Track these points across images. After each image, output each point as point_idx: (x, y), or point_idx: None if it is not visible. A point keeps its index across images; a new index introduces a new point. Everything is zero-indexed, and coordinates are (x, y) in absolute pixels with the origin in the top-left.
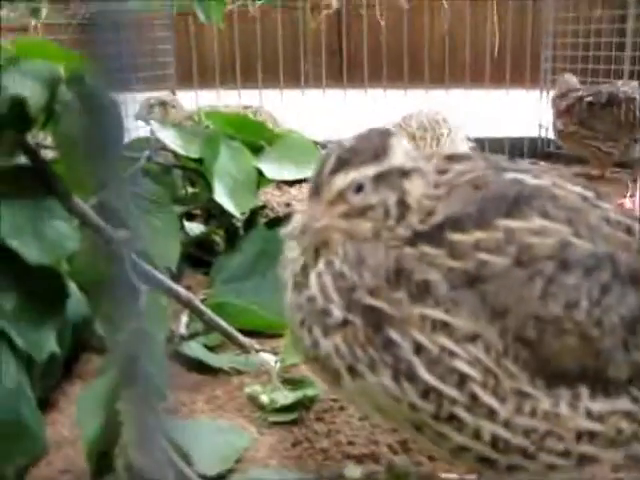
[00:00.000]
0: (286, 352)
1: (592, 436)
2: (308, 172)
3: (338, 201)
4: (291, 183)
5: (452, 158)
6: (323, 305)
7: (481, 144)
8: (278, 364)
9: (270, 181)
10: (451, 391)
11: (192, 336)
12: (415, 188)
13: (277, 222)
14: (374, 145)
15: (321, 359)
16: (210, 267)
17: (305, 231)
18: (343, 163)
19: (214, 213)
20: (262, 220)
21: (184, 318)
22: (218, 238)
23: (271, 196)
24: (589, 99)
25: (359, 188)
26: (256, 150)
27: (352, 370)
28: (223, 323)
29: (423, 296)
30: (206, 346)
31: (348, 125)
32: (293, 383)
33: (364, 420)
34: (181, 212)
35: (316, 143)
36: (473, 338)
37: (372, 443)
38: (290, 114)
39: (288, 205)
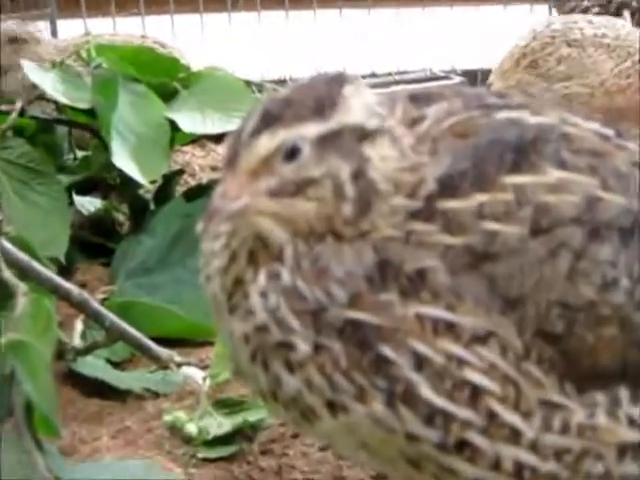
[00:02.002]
0: (217, 365)
1: (637, 451)
2: (238, 122)
3: (262, 172)
4: (217, 138)
5: (417, 99)
6: (281, 337)
7: (472, 77)
8: (207, 381)
9: (189, 137)
10: (462, 411)
11: (90, 349)
12: (382, 157)
13: (199, 192)
14: (318, 95)
15: (286, 399)
16: (111, 256)
17: (213, 216)
18: (270, 120)
19: (113, 183)
20: (179, 190)
21: (78, 325)
22: (121, 216)
23: (191, 157)
24: (596, 10)
25: (292, 154)
26: (168, 95)
27: (332, 405)
28: (131, 330)
29: (418, 291)
30: (110, 362)
31: (293, 60)
32: (229, 405)
33: (325, 450)
34: (69, 183)
35: (249, 84)
36: (485, 338)
37: None
38: (213, 47)
39: (214, 169)
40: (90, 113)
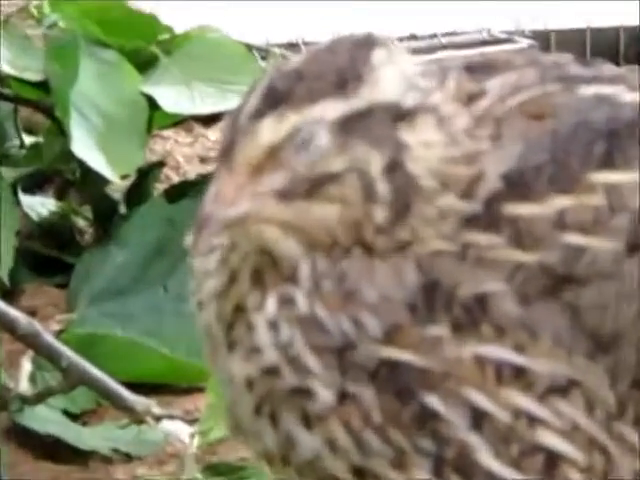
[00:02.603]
0: (209, 418)
1: None
2: (237, 99)
3: (267, 167)
4: (208, 120)
5: (476, 69)
6: (296, 382)
7: (544, 40)
8: (195, 440)
9: (171, 118)
10: None
11: (41, 397)
12: (424, 144)
13: (185, 190)
14: (339, 64)
15: (301, 463)
16: (69, 274)
17: (205, 225)
18: (277, 98)
19: (72, 178)
20: (159, 188)
21: (26, 365)
22: (82, 222)
23: (174, 144)
24: None
25: (306, 142)
26: (145, 64)
27: (361, 473)
28: (96, 372)
29: (477, 324)
30: (67, 413)
31: (306, 18)
32: (223, 472)
33: None
34: (14, 178)
35: (251, 48)
36: (566, 389)
37: None
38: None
39: (204, 161)
40: (42, 87)
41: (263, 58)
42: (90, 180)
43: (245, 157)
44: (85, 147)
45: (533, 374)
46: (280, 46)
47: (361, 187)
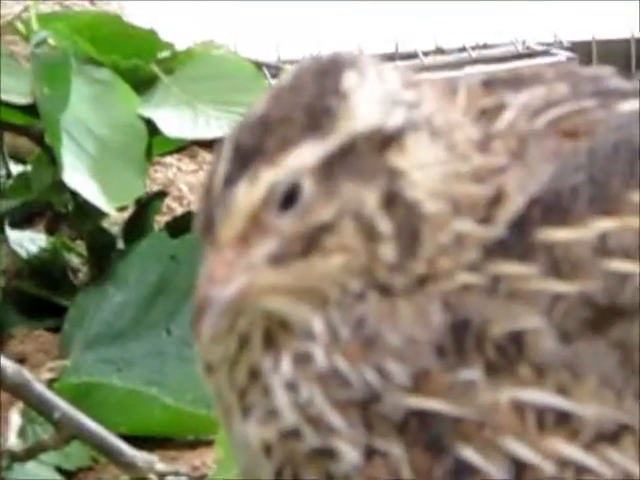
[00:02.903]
0: (217, 475)
1: None
2: None
3: (252, 234)
4: (214, 146)
5: (493, 83)
6: (318, 443)
7: (585, 52)
8: None
9: (173, 143)
10: None
11: (32, 452)
12: (418, 165)
13: (188, 223)
14: (306, 100)
15: None
16: (62, 316)
17: (203, 313)
18: (246, 156)
19: (64, 211)
20: (160, 221)
21: (15, 418)
22: (75, 259)
23: (176, 172)
24: None
25: (289, 198)
26: (144, 84)
27: None
28: (92, 425)
29: (513, 365)
30: (61, 471)
31: (320, 31)
32: None
33: None
34: (0, 212)
35: (260, 66)
36: (616, 435)
37: None
38: (208, 15)
39: None
40: (30, 110)
41: (274, 76)
42: (84, 213)
43: (227, 230)
44: (78, 176)
45: (578, 419)
46: (293, 62)
47: (360, 230)
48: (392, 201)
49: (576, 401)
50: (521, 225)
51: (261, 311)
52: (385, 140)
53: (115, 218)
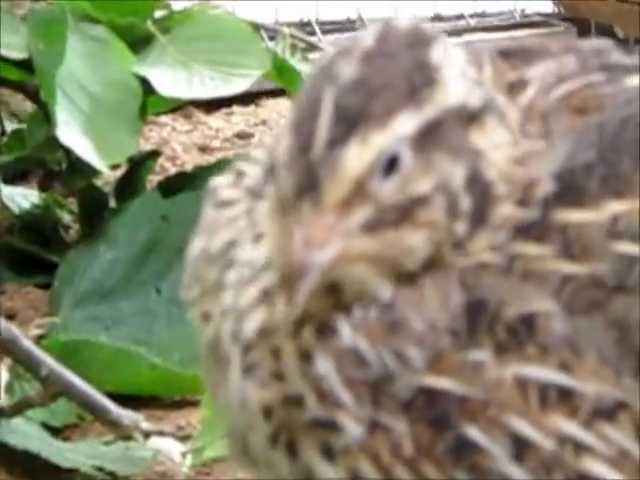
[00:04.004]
0: (204, 435)
1: None
2: (241, 83)
3: (355, 199)
4: (209, 106)
5: (512, 55)
6: (322, 414)
7: (584, 23)
8: (188, 459)
9: (168, 102)
10: None
11: (19, 409)
12: (495, 146)
13: (182, 183)
14: (403, 67)
15: None
16: (52, 273)
17: (298, 277)
18: (353, 118)
19: (57, 168)
20: (153, 180)
21: (3, 374)
22: (67, 216)
23: (171, 132)
24: None
25: (390, 165)
26: (139, 43)
27: None
28: (79, 382)
29: (521, 345)
30: (47, 427)
31: None
32: None
33: None
34: None
35: (258, 28)
36: (613, 412)
37: None
38: None
39: (205, 150)
40: (26, 66)
41: (271, 39)
42: (77, 170)
43: (333, 193)
44: (72, 134)
45: (579, 396)
46: (290, 25)
47: (447, 206)
48: (473, 180)
49: (577, 378)
50: (542, 205)
51: (340, 277)
52: (469, 117)
53: (108, 176)
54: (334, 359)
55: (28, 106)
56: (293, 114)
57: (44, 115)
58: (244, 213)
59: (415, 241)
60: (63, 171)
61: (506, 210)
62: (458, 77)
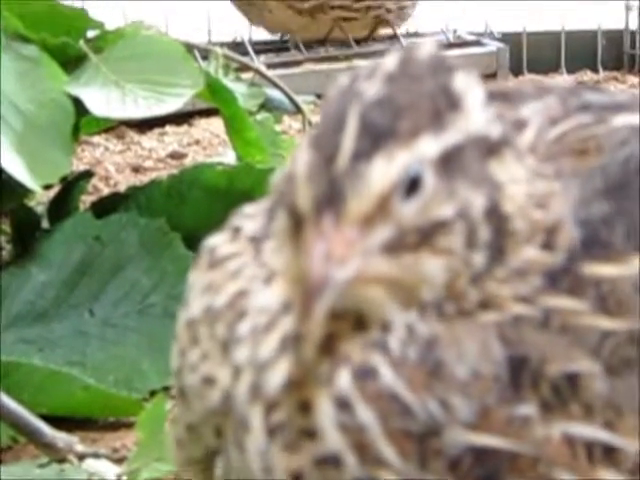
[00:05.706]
0: (138, 457)
1: None
2: (174, 103)
3: (377, 217)
4: (142, 126)
5: (497, 97)
6: (362, 474)
7: (516, 44)
8: None
9: (101, 123)
10: None
11: None
12: (513, 180)
13: (115, 204)
14: (429, 90)
15: None
16: None
17: (316, 293)
18: (380, 134)
19: None
20: (86, 200)
21: None
22: None
23: (104, 152)
24: None
25: (413, 186)
26: (72, 62)
27: None
28: (12, 404)
29: (565, 403)
30: None
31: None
32: None
33: None
34: None
35: (191, 47)
36: None
37: None
38: None
39: (137, 170)
40: None
41: (204, 58)
42: (9, 190)
43: (357, 207)
44: (3, 153)
45: (622, 453)
46: (223, 45)
47: (466, 234)
48: (492, 211)
49: (619, 435)
50: (568, 253)
51: (351, 302)
52: (489, 148)
53: (40, 196)
54: (376, 406)
55: None
56: (314, 131)
57: None
58: (250, 261)
59: (432, 268)
60: None
61: (530, 253)
62: (480, 106)
